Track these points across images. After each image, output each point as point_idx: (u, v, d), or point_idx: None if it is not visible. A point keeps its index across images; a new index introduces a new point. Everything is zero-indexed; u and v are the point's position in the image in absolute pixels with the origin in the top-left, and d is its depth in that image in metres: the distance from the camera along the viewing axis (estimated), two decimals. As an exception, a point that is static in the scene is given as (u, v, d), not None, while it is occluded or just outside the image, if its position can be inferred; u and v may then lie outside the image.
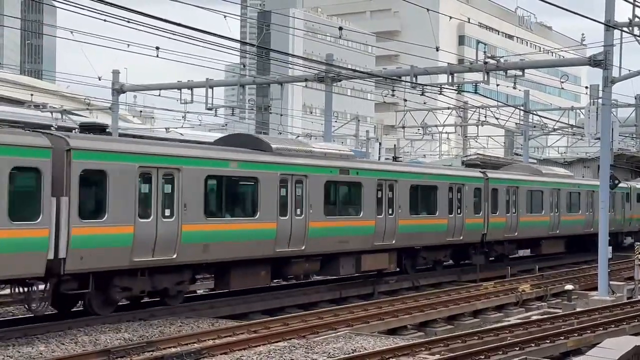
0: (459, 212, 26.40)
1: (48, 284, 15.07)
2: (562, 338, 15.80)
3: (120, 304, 18.70)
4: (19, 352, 13.42)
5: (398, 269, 25.28)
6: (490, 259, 29.80)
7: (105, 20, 18.43)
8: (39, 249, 14.37)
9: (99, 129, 17.56)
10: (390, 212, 23.09)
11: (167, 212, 16.73)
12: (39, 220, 14.34)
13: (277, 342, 14.80)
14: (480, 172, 29.05)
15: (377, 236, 22.68)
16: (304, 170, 20.22)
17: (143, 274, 16.72)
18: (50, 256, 14.54)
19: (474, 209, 27.30)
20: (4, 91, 51.83)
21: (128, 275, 16.40)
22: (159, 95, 33.10)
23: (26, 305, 15.55)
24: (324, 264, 21.52)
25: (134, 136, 31.17)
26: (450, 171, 28.04)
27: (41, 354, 13.35)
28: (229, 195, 18.58)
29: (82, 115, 44.13)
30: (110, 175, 15.63)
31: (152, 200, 16.43)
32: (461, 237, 26.61)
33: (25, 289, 15.04)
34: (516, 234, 29.92)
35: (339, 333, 15.72)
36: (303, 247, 20.15)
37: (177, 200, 16.88)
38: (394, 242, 23.26)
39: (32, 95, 42.74)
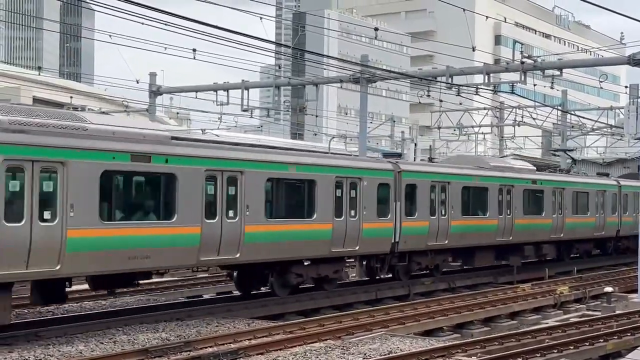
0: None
1: None
2: (601, 341, 15.60)
3: (158, 303, 18.98)
4: (59, 351, 13.63)
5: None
6: None
7: (142, 23, 18.63)
8: None
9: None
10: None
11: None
12: None
13: (312, 342, 14.82)
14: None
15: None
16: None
17: None
18: None
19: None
20: (44, 94, 52.67)
21: None
22: (196, 97, 33.37)
23: None
24: None
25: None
26: None
27: (81, 352, 13.53)
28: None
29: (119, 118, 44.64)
30: None
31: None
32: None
33: None
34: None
35: (374, 334, 15.70)
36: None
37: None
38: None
39: (71, 97, 43.41)
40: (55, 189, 13.91)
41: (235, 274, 20.00)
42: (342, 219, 20.14)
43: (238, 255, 17.31)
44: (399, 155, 25.86)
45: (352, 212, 20.50)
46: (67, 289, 16.02)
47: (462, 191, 24.55)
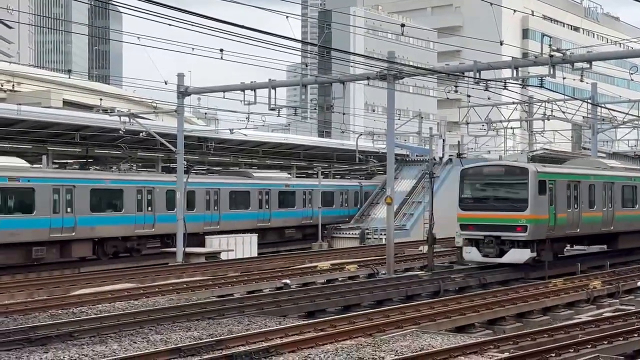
0: None
1: None
2: (635, 335, 15.42)
3: (189, 302, 19.10)
4: (94, 350, 13.80)
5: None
6: None
7: (170, 25, 18.69)
8: None
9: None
10: None
11: None
12: None
13: (344, 340, 14.83)
14: None
15: None
16: None
17: None
18: None
19: None
20: (74, 97, 53.28)
21: None
22: (223, 97, 33.44)
23: None
24: None
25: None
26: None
27: (114, 352, 13.69)
28: None
29: (148, 119, 45.04)
30: None
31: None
32: None
33: None
34: None
35: (405, 331, 15.68)
36: None
37: None
38: None
39: (101, 100, 43.86)
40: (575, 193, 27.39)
41: None
42: None
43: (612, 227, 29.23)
44: None
45: None
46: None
47: None
